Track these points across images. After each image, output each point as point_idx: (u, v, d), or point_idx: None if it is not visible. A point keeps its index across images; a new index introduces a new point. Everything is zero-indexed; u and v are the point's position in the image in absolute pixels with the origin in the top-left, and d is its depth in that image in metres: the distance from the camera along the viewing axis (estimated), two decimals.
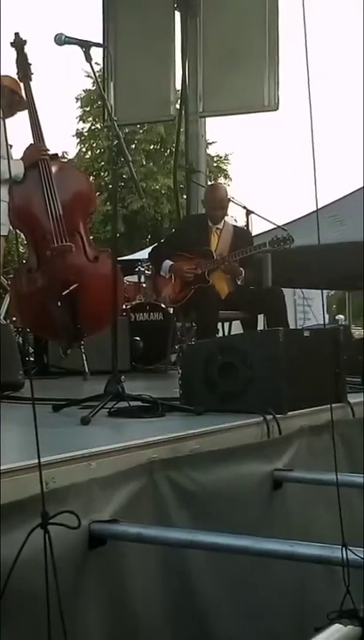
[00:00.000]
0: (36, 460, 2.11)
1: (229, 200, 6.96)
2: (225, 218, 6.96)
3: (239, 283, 6.56)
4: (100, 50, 7.88)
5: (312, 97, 2.60)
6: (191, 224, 7.48)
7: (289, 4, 8.68)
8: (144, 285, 8.34)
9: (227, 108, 9.15)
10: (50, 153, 6.11)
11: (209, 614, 3.01)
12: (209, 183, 12.29)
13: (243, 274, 6.52)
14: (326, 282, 9.52)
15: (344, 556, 2.30)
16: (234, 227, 7.03)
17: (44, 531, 2.04)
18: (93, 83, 26.94)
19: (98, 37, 9.03)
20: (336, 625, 2.06)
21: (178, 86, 9.09)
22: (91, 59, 4.35)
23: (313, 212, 10.36)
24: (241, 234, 6.91)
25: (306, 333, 4.34)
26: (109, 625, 2.57)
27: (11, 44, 6.08)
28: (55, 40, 4.38)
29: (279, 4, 8.58)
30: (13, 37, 6.09)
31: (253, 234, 7.29)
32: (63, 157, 23.70)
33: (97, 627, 2.54)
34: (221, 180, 29.97)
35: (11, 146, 5.82)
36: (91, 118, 30.01)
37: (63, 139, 31.20)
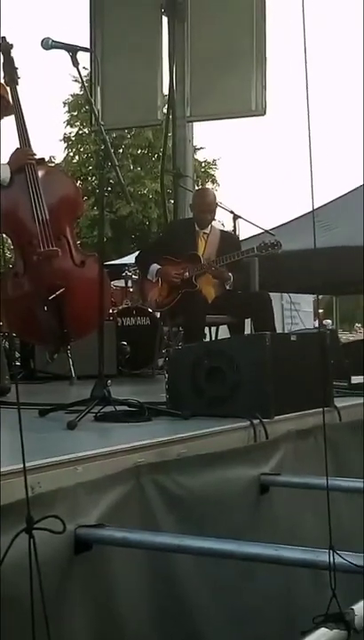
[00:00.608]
0: (22, 465, 2.10)
1: (217, 204, 6.96)
2: (213, 222, 6.95)
3: (227, 287, 6.56)
4: (87, 54, 7.87)
5: (300, 102, 2.60)
6: (178, 228, 7.47)
7: (277, 9, 8.73)
8: (131, 290, 8.34)
9: (215, 112, 9.15)
10: (36, 157, 6.10)
11: (196, 619, 3.01)
12: (197, 188, 12.30)
13: (232, 279, 6.52)
14: (314, 286, 9.52)
15: (331, 559, 2.30)
16: (222, 231, 7.03)
17: (29, 535, 2.03)
18: (81, 87, 26.94)
19: (85, 42, 9.02)
20: (323, 629, 2.05)
21: (166, 91, 9.08)
22: (78, 63, 4.34)
23: (300, 216, 10.42)
24: (229, 238, 6.91)
25: (293, 338, 4.35)
26: (95, 630, 2.57)
27: None
28: (42, 44, 4.38)
29: (266, 9, 8.59)
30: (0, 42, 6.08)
31: (240, 238, 7.29)
32: (50, 162, 23.70)
33: (83, 632, 2.53)
34: (209, 185, 30.00)
35: None
36: (78, 123, 30.01)
37: (50, 143, 31.23)
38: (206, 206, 6.86)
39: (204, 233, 6.80)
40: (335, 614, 2.11)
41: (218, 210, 7.00)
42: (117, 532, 2.63)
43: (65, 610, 2.45)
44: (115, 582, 2.67)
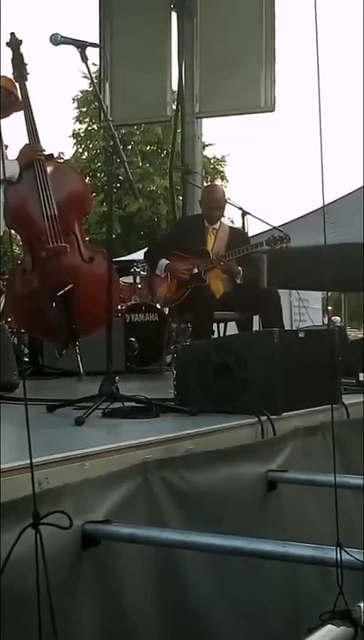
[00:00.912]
0: (29, 461, 2.11)
1: (226, 201, 6.95)
2: (222, 219, 6.95)
3: (238, 282, 6.54)
4: (96, 50, 7.87)
5: (309, 98, 2.60)
6: (187, 224, 7.47)
7: (286, 5, 8.72)
8: (139, 286, 8.33)
9: (224, 109, 9.15)
10: (45, 153, 6.10)
11: (203, 615, 3.01)
12: (206, 184, 12.27)
13: (242, 272, 6.51)
14: (322, 283, 9.51)
15: (339, 556, 2.30)
16: (230, 227, 7.01)
17: (36, 530, 2.03)
18: (90, 83, 26.91)
19: (94, 38, 9.02)
20: (329, 626, 2.05)
21: (175, 87, 9.07)
22: (87, 59, 4.34)
23: (308, 213, 10.40)
24: (237, 234, 6.90)
25: (301, 334, 4.34)
26: (102, 625, 2.57)
27: (7, 44, 6.06)
28: (51, 40, 4.37)
29: (275, 5, 8.58)
30: (9, 37, 6.08)
31: (249, 235, 7.28)
32: (59, 158, 23.68)
33: (90, 626, 2.53)
34: (218, 181, 29.96)
35: (6, 146, 5.81)
36: (87, 119, 29.97)
37: (60, 139, 31.17)
38: (215, 202, 6.85)
39: (213, 229, 6.79)
40: (341, 611, 2.11)
41: (227, 206, 6.99)
42: (125, 528, 2.64)
43: (72, 604, 2.46)
44: (123, 577, 2.68)
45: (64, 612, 2.34)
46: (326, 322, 13.61)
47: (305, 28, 2.71)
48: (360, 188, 11.65)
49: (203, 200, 7.10)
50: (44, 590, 2.06)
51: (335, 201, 11.08)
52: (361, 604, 2.15)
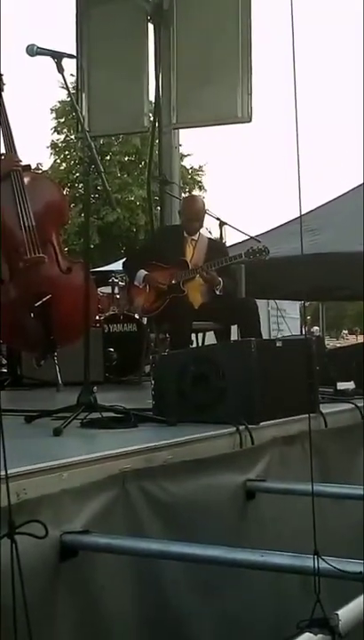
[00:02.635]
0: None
1: (205, 212, 6.97)
2: (201, 229, 6.96)
3: (217, 292, 6.55)
4: (74, 61, 7.87)
5: (286, 109, 2.61)
6: (166, 234, 7.49)
7: (263, 16, 8.77)
8: (118, 296, 8.33)
9: (201, 119, 9.18)
10: (22, 164, 6.10)
11: (183, 624, 3.01)
12: (184, 195, 12.30)
13: (222, 283, 6.53)
14: (300, 293, 9.55)
15: (316, 565, 2.31)
16: (209, 239, 7.02)
17: (11, 540, 2.03)
18: (67, 94, 26.94)
19: (71, 48, 9.03)
20: (307, 634, 2.06)
21: (152, 98, 9.10)
22: (63, 69, 4.34)
23: (286, 223, 10.44)
24: (216, 246, 6.92)
25: (279, 344, 4.35)
26: (81, 637, 2.56)
27: None
28: (27, 51, 4.37)
29: (252, 16, 8.62)
30: None
31: (227, 245, 7.30)
32: (37, 169, 23.68)
33: (69, 637, 2.52)
34: (196, 191, 30.04)
35: None
36: (65, 129, 30.02)
37: (38, 150, 31.14)
38: (194, 214, 6.87)
39: (192, 239, 6.81)
40: (319, 619, 2.11)
41: (205, 216, 7.01)
42: (103, 539, 2.63)
43: (50, 616, 2.45)
44: (102, 588, 2.67)
45: (42, 623, 2.33)
46: (304, 331, 13.66)
47: (283, 39, 2.73)
48: (337, 197, 11.73)
49: (183, 211, 7.12)
50: (21, 601, 2.05)
51: (313, 210, 11.15)
52: (339, 612, 2.16)
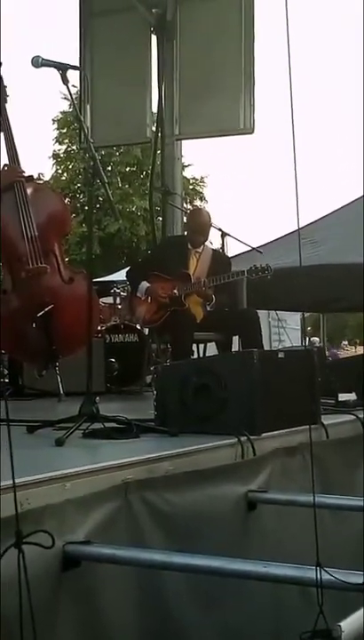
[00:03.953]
0: (11, 481, 2.11)
1: (210, 226, 6.98)
2: (205, 242, 6.97)
3: (208, 308, 6.58)
4: (77, 72, 7.90)
5: (288, 121, 2.63)
6: (171, 245, 7.50)
7: (265, 28, 8.80)
8: (119, 307, 8.34)
9: (203, 130, 9.21)
10: (25, 175, 6.12)
11: (184, 635, 3.01)
12: (187, 206, 12.32)
13: (214, 300, 6.54)
14: (301, 304, 9.57)
15: (318, 576, 2.31)
16: (213, 251, 7.03)
17: (18, 550, 2.03)
18: (70, 105, 27.01)
19: (75, 60, 9.06)
20: None
21: (155, 109, 9.13)
22: (68, 81, 4.37)
23: (287, 234, 10.45)
24: (220, 259, 6.93)
25: (281, 355, 4.36)
26: None
27: None
28: (32, 62, 4.40)
29: (254, 28, 8.66)
30: None
31: (229, 255, 7.32)
32: (39, 179, 23.71)
33: None
34: (197, 202, 30.09)
35: None
36: (67, 140, 30.07)
37: (39, 160, 31.25)
38: (199, 228, 6.88)
39: (196, 252, 6.82)
40: (322, 630, 2.11)
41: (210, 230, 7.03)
42: (105, 549, 2.64)
43: (53, 626, 2.45)
44: (104, 599, 2.67)
45: (44, 633, 2.33)
46: (304, 342, 13.65)
47: (285, 51, 2.74)
48: (338, 209, 11.75)
49: (188, 224, 7.14)
50: (27, 611, 2.05)
51: (315, 221, 11.17)
52: (341, 624, 2.16)
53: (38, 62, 4.38)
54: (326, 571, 2.33)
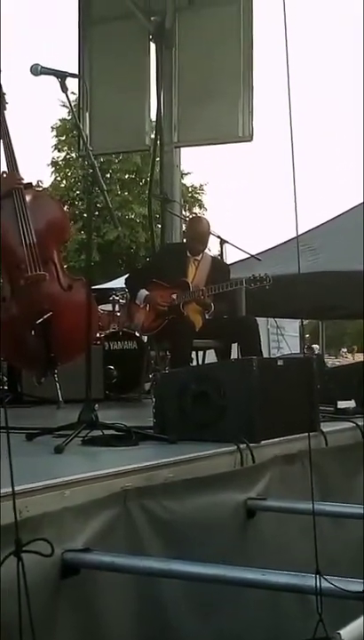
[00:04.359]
0: (10, 489, 2.11)
1: (210, 234, 6.98)
2: (204, 250, 6.97)
3: (207, 317, 6.58)
4: (76, 80, 7.92)
5: (287, 128, 2.63)
6: (170, 253, 7.49)
7: (264, 35, 8.82)
8: (118, 314, 8.34)
9: (202, 138, 9.22)
10: (24, 182, 6.13)
11: None
12: (186, 213, 12.33)
13: (212, 308, 6.54)
14: (300, 311, 9.58)
15: (318, 583, 2.31)
16: (213, 258, 7.03)
17: (18, 558, 2.03)
18: (69, 112, 27.04)
19: (74, 68, 9.08)
20: None
21: (153, 116, 9.15)
22: (67, 89, 4.39)
23: (286, 241, 10.47)
24: (219, 266, 6.92)
25: (280, 362, 4.36)
26: None
27: None
28: (31, 70, 4.41)
29: (253, 36, 8.67)
30: None
31: (227, 262, 7.32)
32: (38, 186, 23.71)
33: None
34: (196, 210, 30.11)
35: None
36: (66, 147, 30.08)
37: (38, 168, 31.25)
38: (198, 236, 6.88)
39: (195, 260, 6.83)
40: (321, 638, 2.11)
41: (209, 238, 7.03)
42: (104, 557, 2.63)
43: (52, 634, 2.45)
44: (103, 607, 2.67)
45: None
46: (304, 350, 13.66)
47: (284, 58, 2.75)
48: (337, 216, 11.76)
49: (188, 232, 7.15)
50: (26, 619, 2.05)
51: (314, 228, 11.18)
52: (341, 632, 2.16)
53: (37, 70, 4.39)
54: (325, 578, 2.33)
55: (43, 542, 2.22)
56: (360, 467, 4.64)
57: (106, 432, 3.83)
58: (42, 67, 4.38)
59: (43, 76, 4.40)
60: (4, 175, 6.06)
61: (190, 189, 30.69)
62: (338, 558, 3.75)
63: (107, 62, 9.19)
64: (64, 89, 4.36)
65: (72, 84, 4.55)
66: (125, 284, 7.53)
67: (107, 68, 9.20)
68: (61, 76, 4.35)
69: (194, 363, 6.76)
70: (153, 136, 9.20)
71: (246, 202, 58.43)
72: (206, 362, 6.94)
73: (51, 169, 30.63)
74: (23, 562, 2.03)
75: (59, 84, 4.35)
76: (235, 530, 3.45)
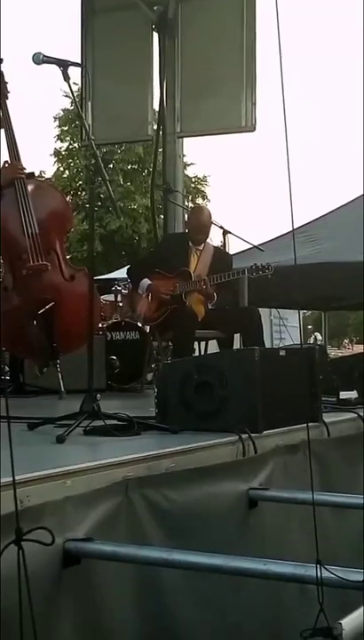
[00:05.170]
0: (11, 478, 2.11)
1: (212, 224, 6.97)
2: (206, 240, 6.96)
3: (209, 306, 6.57)
4: (78, 69, 7.90)
5: (290, 118, 2.63)
6: (171, 242, 7.48)
7: (267, 25, 8.77)
8: (120, 304, 8.34)
9: (205, 128, 9.18)
10: (26, 172, 6.11)
11: (184, 632, 3.01)
12: (189, 204, 12.30)
13: (215, 298, 6.53)
14: (302, 302, 9.57)
15: (319, 573, 2.31)
16: (215, 248, 7.01)
17: (18, 547, 2.03)
18: (71, 102, 27.01)
19: (76, 57, 9.04)
20: None
21: (156, 106, 9.12)
22: (69, 78, 4.36)
23: (288, 232, 10.45)
24: (221, 256, 6.91)
25: (282, 353, 4.35)
26: None
27: None
28: (33, 59, 4.39)
29: (257, 26, 8.64)
30: None
31: (230, 252, 7.31)
32: (40, 176, 23.68)
33: None
34: (199, 201, 30.06)
35: None
36: (68, 137, 30.02)
37: (41, 158, 31.23)
38: (200, 226, 6.87)
39: (197, 249, 6.81)
40: (323, 628, 2.11)
41: (211, 227, 7.01)
42: (106, 546, 2.64)
43: (53, 623, 2.45)
44: (104, 596, 2.67)
45: (45, 629, 2.33)
46: (308, 340, 13.65)
47: (288, 48, 2.74)
48: (341, 206, 11.74)
49: (189, 222, 7.13)
50: (26, 608, 2.05)
51: (316, 219, 11.17)
52: (342, 622, 2.16)
53: (39, 59, 4.37)
54: (326, 568, 2.33)
55: (44, 531, 2.22)
56: (362, 457, 4.65)
57: (108, 422, 3.83)
58: (44, 55, 4.36)
59: (45, 66, 4.38)
60: (6, 165, 6.05)
61: (193, 180, 30.65)
62: (340, 548, 3.75)
63: (110, 52, 9.16)
64: (66, 78, 4.34)
65: (74, 73, 4.52)
66: (127, 274, 7.53)
67: (110, 58, 9.16)
68: (63, 65, 4.34)
69: (197, 353, 6.76)
70: (155, 126, 9.17)
71: (249, 192, 58.36)
72: (208, 352, 6.93)
73: (53, 159, 30.61)
74: (24, 551, 2.03)
75: (61, 73, 4.33)
76: (237, 520, 3.45)
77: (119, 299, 8.39)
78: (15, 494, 2.09)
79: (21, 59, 4.97)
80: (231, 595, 3.13)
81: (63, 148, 30.53)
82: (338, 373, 5.50)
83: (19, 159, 6.10)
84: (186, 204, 10.51)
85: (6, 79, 6.10)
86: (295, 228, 10.57)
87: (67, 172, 30.35)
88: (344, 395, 5.16)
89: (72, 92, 4.73)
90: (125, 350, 7.47)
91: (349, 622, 2.17)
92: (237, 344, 6.72)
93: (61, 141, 30.50)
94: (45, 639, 2.30)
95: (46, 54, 4.38)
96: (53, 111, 30.70)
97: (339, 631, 2.11)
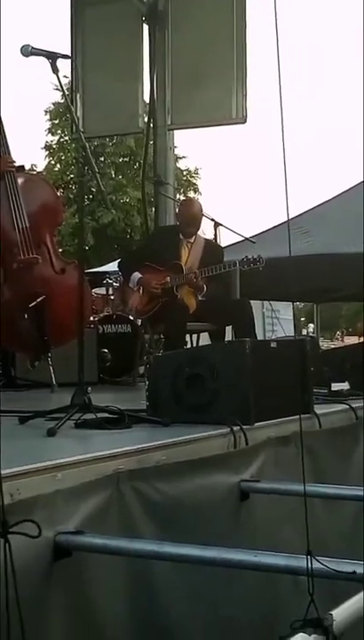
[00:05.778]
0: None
1: (202, 216, 6.96)
2: (197, 232, 6.95)
3: (200, 298, 6.57)
4: (68, 61, 7.87)
5: (278, 110, 2.62)
6: (162, 235, 7.48)
7: (257, 15, 8.76)
8: (112, 297, 8.34)
9: (195, 120, 9.16)
10: (16, 165, 6.10)
11: (175, 625, 3.01)
12: (180, 197, 12.27)
13: (205, 289, 6.52)
14: (293, 294, 9.57)
15: (309, 565, 2.31)
16: (206, 240, 7.00)
17: (4, 540, 2.02)
18: (62, 95, 26.94)
19: (66, 50, 9.00)
20: (301, 634, 2.06)
21: (147, 99, 9.10)
22: (58, 70, 4.33)
23: (280, 224, 10.45)
24: (212, 249, 6.90)
25: (273, 345, 4.36)
26: (73, 637, 2.56)
27: None
28: (21, 51, 4.34)
29: (247, 17, 8.62)
30: None
31: (222, 245, 7.30)
32: (32, 170, 23.65)
33: (61, 638, 2.52)
34: (191, 193, 30.04)
35: None
36: (59, 131, 30.00)
37: (32, 151, 31.19)
38: (191, 219, 6.86)
39: (188, 242, 6.80)
40: (313, 619, 2.11)
41: (202, 219, 7.00)
42: (97, 539, 2.63)
43: (43, 616, 2.45)
44: (95, 589, 2.67)
45: (34, 623, 2.33)
46: (301, 332, 13.67)
47: (278, 39, 2.72)
48: (333, 197, 11.74)
49: (180, 214, 7.12)
50: (14, 601, 2.05)
51: (308, 211, 11.15)
52: (333, 613, 2.16)
53: (28, 51, 4.33)
54: (317, 559, 2.33)
55: (32, 524, 2.21)
56: (354, 448, 4.65)
57: (100, 415, 3.83)
58: (32, 47, 4.32)
59: (35, 59, 4.34)
60: None
61: (185, 173, 30.63)
62: (331, 540, 3.76)
63: (100, 44, 9.13)
64: (55, 70, 4.31)
65: (64, 66, 4.50)
66: (118, 267, 7.52)
67: (100, 50, 9.14)
68: (52, 57, 4.30)
69: (188, 345, 6.75)
70: (146, 118, 9.15)
71: (240, 184, 58.31)
72: (200, 345, 6.93)
73: (44, 152, 30.56)
74: (10, 544, 2.02)
75: (50, 66, 4.30)
76: (229, 512, 3.45)
77: (110, 292, 8.38)
78: (1, 487, 2.08)
79: (10, 52, 4.95)
80: (223, 587, 3.13)
81: (54, 142, 30.50)
82: (330, 365, 5.51)
83: (9, 152, 6.09)
84: (178, 196, 10.48)
85: None
86: (285, 220, 10.58)
87: (58, 165, 30.32)
88: (335, 386, 5.17)
89: (61, 84, 4.71)
90: (117, 343, 7.46)
91: (340, 613, 2.18)
92: (229, 336, 6.72)
93: (52, 135, 30.48)
94: (35, 632, 2.29)
95: (35, 46, 4.34)
96: (44, 104, 30.67)
97: (330, 622, 2.11)
